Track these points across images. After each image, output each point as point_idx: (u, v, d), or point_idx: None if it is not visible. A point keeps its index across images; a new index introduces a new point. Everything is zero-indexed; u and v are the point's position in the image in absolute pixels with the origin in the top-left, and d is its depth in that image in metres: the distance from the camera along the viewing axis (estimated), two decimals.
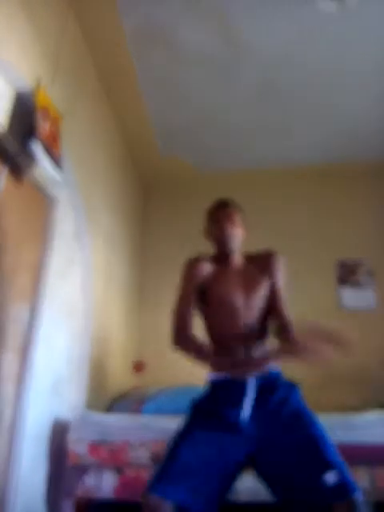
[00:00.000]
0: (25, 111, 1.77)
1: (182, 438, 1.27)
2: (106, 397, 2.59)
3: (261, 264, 1.46)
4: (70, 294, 2.27)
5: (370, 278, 3.29)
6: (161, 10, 2.25)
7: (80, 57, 2.40)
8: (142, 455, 1.88)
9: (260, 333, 1.42)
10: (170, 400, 2.33)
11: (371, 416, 1.89)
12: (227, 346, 1.37)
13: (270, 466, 1.24)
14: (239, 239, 1.48)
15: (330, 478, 1.14)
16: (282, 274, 1.46)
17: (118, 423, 1.97)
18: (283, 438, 1.24)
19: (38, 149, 1.69)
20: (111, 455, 1.89)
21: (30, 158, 1.75)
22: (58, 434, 1.99)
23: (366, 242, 3.37)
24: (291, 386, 1.35)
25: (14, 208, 1.79)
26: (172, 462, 1.23)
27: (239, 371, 1.28)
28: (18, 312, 1.81)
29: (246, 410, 1.27)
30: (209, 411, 1.31)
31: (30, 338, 1.84)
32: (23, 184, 1.85)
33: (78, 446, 1.91)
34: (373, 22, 2.28)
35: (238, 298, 1.40)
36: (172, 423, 1.96)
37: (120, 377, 2.88)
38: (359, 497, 1.12)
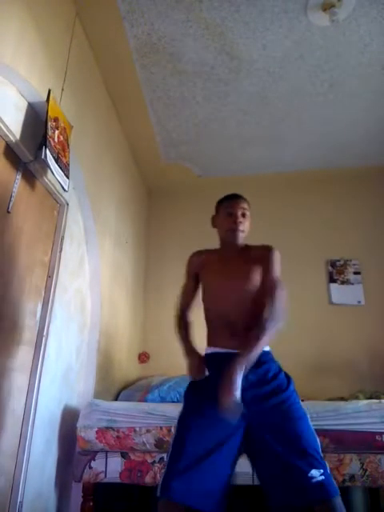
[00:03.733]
0: (37, 121, 1.76)
1: (183, 428, 1.23)
2: (113, 386, 2.57)
3: (257, 254, 1.43)
4: (80, 291, 2.26)
5: (358, 276, 3.29)
6: (164, 25, 2.23)
7: (87, 69, 2.38)
8: (147, 441, 1.87)
9: (251, 311, 1.34)
10: (172, 389, 2.32)
11: (360, 405, 1.87)
12: (216, 329, 1.39)
13: (258, 446, 1.19)
14: (246, 231, 1.48)
15: (316, 475, 1.09)
16: (274, 264, 1.39)
17: (124, 411, 1.96)
18: (273, 420, 1.19)
19: (48, 157, 1.68)
20: (118, 441, 1.88)
21: (42, 165, 1.73)
22: (68, 421, 1.98)
23: (353, 244, 3.37)
24: (280, 370, 1.31)
25: (28, 211, 1.78)
26: (178, 459, 1.16)
27: (228, 344, 1.29)
28: (31, 307, 1.80)
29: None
30: (201, 391, 1.28)
31: (43, 331, 1.84)
32: (36, 189, 1.84)
33: (86, 432, 1.90)
34: (363, 34, 2.26)
35: (225, 284, 1.40)
36: (175, 410, 1.95)
37: (126, 367, 2.87)
38: (340, 502, 1.07)
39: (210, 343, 1.40)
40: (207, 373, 1.32)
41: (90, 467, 1.88)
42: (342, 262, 3.34)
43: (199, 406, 1.25)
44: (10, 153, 1.65)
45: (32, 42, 1.71)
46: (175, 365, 2.98)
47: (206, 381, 1.30)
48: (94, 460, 1.89)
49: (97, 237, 2.44)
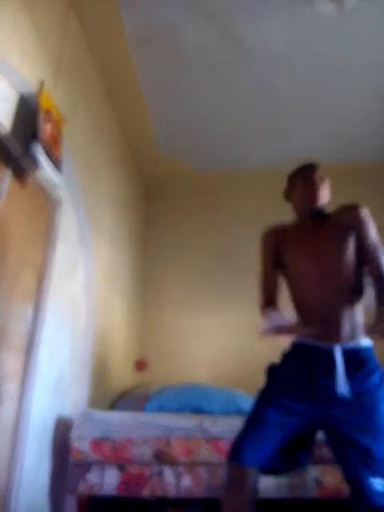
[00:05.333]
0: (28, 114, 1.77)
1: (264, 406, 1.29)
2: (108, 395, 2.59)
3: (342, 221, 1.37)
4: (74, 294, 2.28)
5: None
6: (162, 10, 2.24)
7: (82, 58, 2.40)
8: (145, 452, 1.89)
9: (350, 295, 1.33)
10: (172, 398, 2.34)
11: None
12: (310, 313, 1.32)
13: (339, 438, 1.24)
14: (326, 201, 1.45)
15: (377, 484, 1.15)
16: (368, 226, 1.35)
17: (121, 421, 1.98)
18: (357, 419, 1.22)
19: (38, 151, 1.70)
20: (114, 452, 1.90)
21: (33, 160, 1.75)
22: (62, 432, 1.99)
23: None
24: (378, 369, 1.29)
25: (18, 209, 1.79)
26: (255, 427, 1.27)
27: (326, 338, 1.26)
28: (22, 311, 1.81)
29: (341, 381, 1.22)
30: (296, 376, 1.30)
31: (34, 336, 1.85)
32: (27, 186, 1.85)
33: (81, 443, 1.92)
34: (371, 23, 2.28)
35: (313, 262, 1.33)
36: (174, 421, 1.98)
37: (122, 375, 2.89)
38: None
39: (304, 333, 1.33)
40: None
41: (85, 479, 1.90)
42: None
43: (286, 392, 1.29)
44: (0, 147, 1.66)
45: (24, 30, 1.73)
46: (175, 372, 3.02)
47: (295, 370, 1.32)
48: (89, 472, 1.91)
49: (91, 236, 2.46)
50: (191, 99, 2.89)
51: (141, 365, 3.19)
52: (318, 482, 1.79)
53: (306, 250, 1.36)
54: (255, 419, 1.30)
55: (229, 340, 3.17)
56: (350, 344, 1.28)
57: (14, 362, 1.73)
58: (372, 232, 1.34)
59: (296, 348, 1.35)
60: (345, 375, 1.22)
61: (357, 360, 1.26)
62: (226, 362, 3.02)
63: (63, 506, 1.99)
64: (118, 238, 3.04)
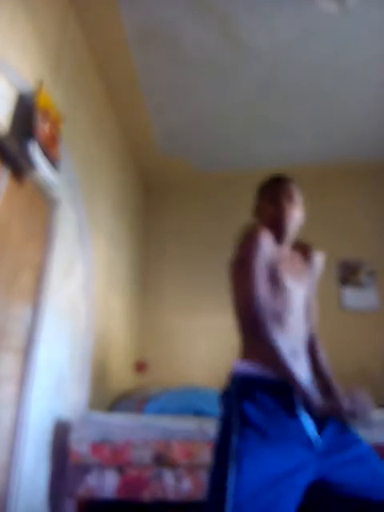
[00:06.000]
0: (27, 112, 1.77)
1: (241, 463, 0.97)
2: (108, 397, 2.58)
3: (306, 258, 1.31)
4: (72, 294, 2.27)
5: (372, 277, 3.28)
6: (162, 9, 2.24)
7: (81, 57, 2.40)
8: (144, 455, 1.88)
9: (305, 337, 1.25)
10: (172, 400, 2.33)
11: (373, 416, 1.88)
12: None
13: (342, 481, 1.05)
14: (299, 223, 1.30)
15: None
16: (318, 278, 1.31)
17: (120, 423, 1.97)
18: (343, 452, 1.07)
19: (35, 150, 1.69)
20: (113, 455, 1.89)
21: (29, 159, 1.74)
22: (60, 434, 1.99)
23: (367, 242, 3.37)
24: None
25: (16, 208, 1.79)
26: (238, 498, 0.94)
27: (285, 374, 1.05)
28: (20, 312, 1.80)
29: (311, 429, 1.05)
30: (267, 417, 1.04)
31: (33, 337, 1.84)
32: (25, 185, 1.85)
33: (80, 445, 1.91)
34: (373, 21, 2.27)
35: (294, 285, 1.21)
36: (174, 423, 1.97)
37: (122, 377, 2.88)
38: None
39: (265, 362, 1.11)
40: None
41: (84, 482, 1.89)
42: (354, 263, 3.34)
43: (263, 433, 1.02)
44: None
45: (23, 29, 1.73)
46: (175, 374, 3.01)
47: (264, 405, 1.06)
48: (89, 475, 1.90)
49: (90, 235, 2.45)
50: (191, 98, 2.88)
51: (140, 366, 3.18)
52: None
53: (293, 275, 1.22)
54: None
55: (229, 341, 3.15)
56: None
57: (12, 363, 1.72)
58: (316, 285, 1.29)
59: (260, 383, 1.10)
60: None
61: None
62: (226, 363, 3.00)
63: (62, 509, 1.98)
64: (118, 237, 3.04)
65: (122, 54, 2.53)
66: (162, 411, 2.26)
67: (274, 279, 1.17)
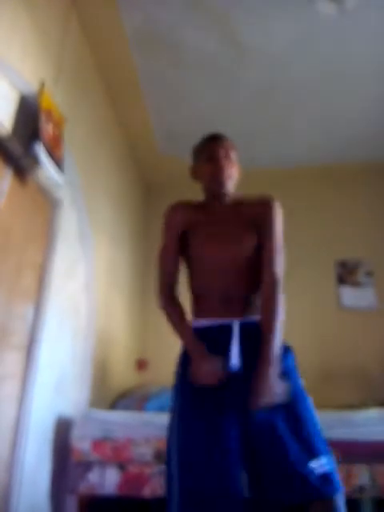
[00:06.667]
0: (29, 114, 1.77)
1: (180, 441, 1.11)
2: (109, 394, 2.59)
3: (252, 211, 1.26)
4: (74, 294, 2.28)
5: (370, 277, 3.29)
6: (162, 11, 2.24)
7: (82, 59, 2.41)
8: (145, 452, 1.89)
9: (248, 290, 1.22)
10: None
11: (370, 414, 1.89)
12: (207, 306, 1.21)
13: (251, 431, 1.05)
14: (235, 179, 1.30)
15: (317, 466, 0.98)
16: (276, 224, 1.25)
17: (121, 421, 1.98)
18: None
19: (40, 151, 1.70)
20: (114, 452, 1.90)
21: (34, 160, 1.75)
22: (62, 432, 1.99)
23: (365, 242, 3.38)
24: (284, 349, 1.15)
25: (19, 209, 1.79)
26: (181, 482, 1.05)
27: (225, 315, 1.16)
28: (22, 311, 1.81)
29: (235, 354, 1.11)
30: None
31: (35, 336, 1.85)
32: (27, 185, 1.86)
33: (81, 443, 1.92)
34: (372, 23, 2.28)
35: (219, 250, 1.22)
36: None
37: (123, 375, 2.89)
38: (341, 499, 0.97)
39: (198, 315, 1.24)
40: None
41: (86, 479, 1.90)
42: (352, 263, 3.35)
43: (193, 401, 1.12)
44: (1, 147, 1.66)
45: (25, 31, 1.73)
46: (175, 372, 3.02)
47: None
48: (90, 472, 1.91)
49: (92, 236, 2.46)
50: (191, 100, 2.89)
51: (141, 365, 3.19)
52: None
53: (213, 237, 1.23)
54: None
55: None
56: (248, 318, 1.18)
57: (14, 362, 1.73)
58: (277, 233, 1.23)
59: (197, 332, 1.19)
60: (240, 350, 1.11)
61: (254, 333, 1.14)
62: None
63: (64, 506, 1.99)
64: (119, 237, 3.04)
65: (123, 55, 2.53)
66: (161, 409, 2.27)
67: (192, 245, 1.25)
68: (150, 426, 1.94)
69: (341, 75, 2.65)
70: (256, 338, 1.13)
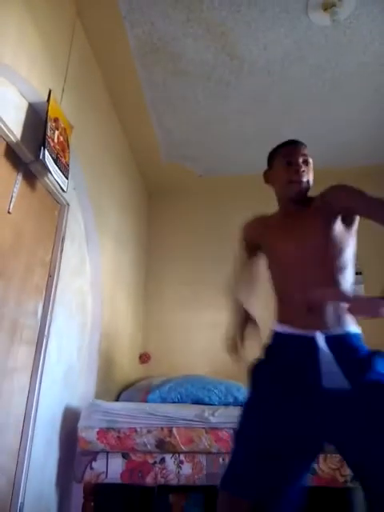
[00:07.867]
0: (37, 121, 1.78)
1: (250, 417, 1.05)
2: (114, 386, 2.59)
3: (328, 201, 1.15)
4: (81, 291, 2.28)
5: (358, 278, 3.29)
6: (164, 23, 2.25)
7: (88, 69, 2.41)
8: (148, 441, 1.89)
9: (336, 282, 1.12)
10: (173, 389, 2.33)
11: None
12: (289, 304, 1.12)
13: (350, 442, 0.96)
14: (311, 184, 1.24)
15: None
16: (358, 195, 1.09)
17: (125, 411, 1.98)
18: (362, 412, 0.95)
19: (47, 158, 1.70)
20: (119, 441, 1.90)
21: (42, 165, 1.75)
22: (69, 422, 2.00)
23: None
24: (375, 354, 1.02)
25: (29, 212, 1.80)
26: (242, 452, 1.02)
27: (305, 323, 1.04)
28: (33, 307, 1.81)
29: (328, 371, 0.97)
30: (276, 372, 1.06)
31: (44, 331, 1.86)
32: (36, 190, 1.86)
33: (87, 432, 1.91)
34: (364, 33, 2.28)
35: (291, 251, 1.14)
36: (176, 411, 1.97)
37: (127, 368, 2.89)
38: None
39: (281, 320, 1.14)
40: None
41: (91, 468, 1.90)
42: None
43: (271, 390, 1.04)
44: (11, 153, 1.67)
45: (32, 42, 1.73)
46: (176, 365, 3.01)
47: (276, 359, 1.09)
48: (95, 461, 1.91)
49: (98, 237, 2.46)
50: (191, 109, 2.89)
51: (144, 358, 3.19)
52: (313, 472, 1.77)
53: (289, 236, 1.17)
54: (241, 442, 1.05)
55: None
56: (336, 330, 1.04)
57: (24, 356, 1.73)
58: (366, 196, 1.08)
59: (277, 337, 1.12)
60: (333, 364, 0.96)
61: (345, 347, 1.02)
62: (224, 355, 3.00)
63: (70, 494, 1.99)
64: (123, 239, 3.04)
65: (127, 66, 2.53)
66: (163, 400, 2.27)
67: (267, 250, 1.25)
68: (152, 417, 1.94)
69: (333, 84, 2.65)
70: (346, 352, 1.01)
